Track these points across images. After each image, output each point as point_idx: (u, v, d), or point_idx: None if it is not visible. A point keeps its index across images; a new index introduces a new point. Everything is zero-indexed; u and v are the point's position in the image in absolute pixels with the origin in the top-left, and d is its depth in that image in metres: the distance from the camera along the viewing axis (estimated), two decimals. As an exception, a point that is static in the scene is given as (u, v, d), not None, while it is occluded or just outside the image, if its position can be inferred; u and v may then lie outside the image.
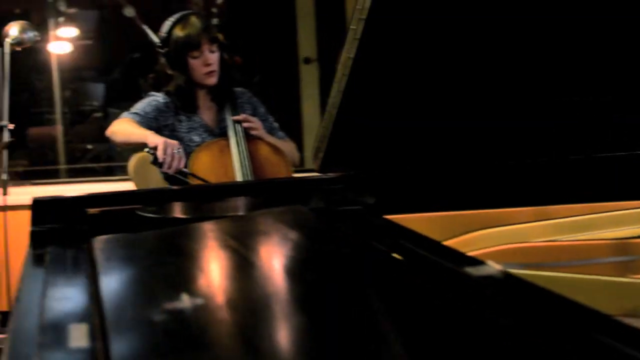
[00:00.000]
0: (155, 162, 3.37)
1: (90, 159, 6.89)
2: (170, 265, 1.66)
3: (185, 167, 3.54)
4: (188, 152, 3.78)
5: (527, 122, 2.51)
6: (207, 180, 3.55)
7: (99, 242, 1.87)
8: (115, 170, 6.63)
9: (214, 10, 5.84)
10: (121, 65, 7.10)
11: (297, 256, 1.77)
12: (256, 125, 3.87)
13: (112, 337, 1.26)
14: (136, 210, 2.22)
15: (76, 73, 6.96)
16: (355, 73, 2.23)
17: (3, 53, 4.67)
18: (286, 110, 7.04)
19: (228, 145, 3.79)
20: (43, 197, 2.31)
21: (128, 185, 4.98)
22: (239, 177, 3.69)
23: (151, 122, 3.75)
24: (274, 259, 1.73)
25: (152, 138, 3.46)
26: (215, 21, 5.86)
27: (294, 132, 4.28)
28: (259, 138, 3.86)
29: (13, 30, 4.74)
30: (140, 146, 3.65)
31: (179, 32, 3.81)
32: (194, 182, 3.58)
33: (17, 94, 4.83)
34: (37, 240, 2.17)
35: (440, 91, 2.41)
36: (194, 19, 3.83)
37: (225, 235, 1.86)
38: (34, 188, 5.67)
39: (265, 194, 2.46)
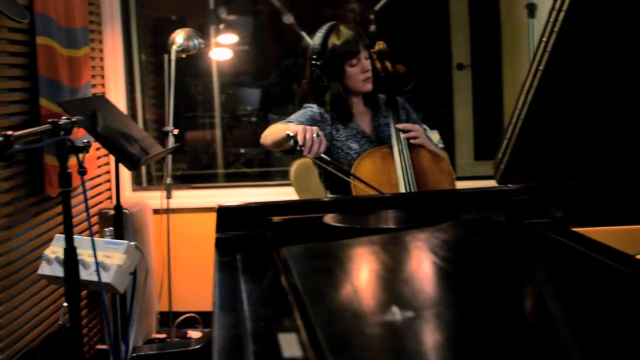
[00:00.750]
0: (296, 146, 3.35)
1: (243, 163, 6.97)
2: (367, 276, 1.66)
3: (326, 153, 3.52)
4: (348, 160, 3.79)
5: None
6: (367, 182, 3.53)
7: (290, 252, 1.88)
8: (273, 175, 6.70)
9: (371, 17, 5.84)
10: (276, 71, 7.17)
11: (488, 268, 1.75)
12: (418, 133, 3.85)
13: (327, 350, 1.26)
14: (322, 219, 2.22)
15: (233, 78, 7.04)
16: (543, 85, 2.19)
17: (169, 60, 4.76)
18: (439, 116, 7.03)
19: (390, 153, 3.78)
20: (228, 205, 2.36)
21: (286, 190, 5.03)
22: (401, 185, 3.67)
23: None
24: (468, 271, 1.71)
25: (293, 127, 3.45)
26: (372, 28, 5.88)
27: (447, 138, 4.24)
28: (421, 146, 3.84)
29: (179, 37, 4.84)
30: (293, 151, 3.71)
31: (335, 42, 3.80)
32: (355, 185, 3.58)
33: (175, 98, 4.92)
34: (223, 247, 2.21)
35: (633, 104, 2.34)
36: (344, 28, 3.83)
37: (417, 246, 1.84)
38: (193, 192, 5.77)
39: (447, 204, 2.44)
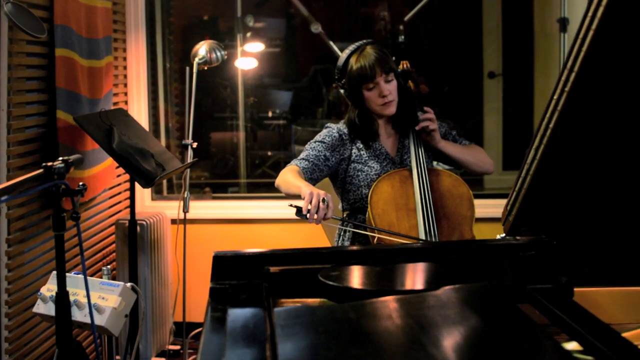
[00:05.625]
0: (300, 214, 3.30)
1: (270, 166, 6.94)
2: (352, 358, 1.60)
3: (344, 173, 3.47)
4: (368, 181, 3.74)
5: None
6: (389, 231, 3.47)
7: (279, 317, 1.83)
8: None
9: (400, 27, 5.77)
10: (307, 76, 7.13)
11: (481, 346, 1.69)
12: (434, 125, 3.81)
13: None
14: (318, 275, 2.17)
15: (261, 81, 7.02)
16: (553, 142, 2.13)
17: (191, 73, 4.72)
18: (469, 123, 7.00)
19: (410, 176, 3.72)
20: (224, 253, 2.31)
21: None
22: (419, 210, 3.61)
23: (320, 165, 3.72)
24: (457, 353, 1.65)
25: (304, 190, 3.37)
26: (401, 38, 5.81)
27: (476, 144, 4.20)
28: (434, 142, 3.80)
29: (202, 50, 4.79)
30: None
31: (353, 64, 3.75)
32: (372, 215, 3.54)
33: (201, 98, 4.85)
34: (216, 299, 2.16)
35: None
36: (369, 50, 3.75)
37: (410, 322, 1.78)
38: (212, 202, 5.73)
39: (451, 256, 2.38)
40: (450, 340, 1.70)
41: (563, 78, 2.03)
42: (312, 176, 3.70)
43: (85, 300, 3.16)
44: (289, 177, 3.58)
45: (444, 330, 1.74)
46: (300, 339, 1.72)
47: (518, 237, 2.44)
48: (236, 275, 2.25)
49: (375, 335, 1.74)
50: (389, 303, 1.89)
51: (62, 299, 2.44)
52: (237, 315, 1.98)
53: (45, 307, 3.39)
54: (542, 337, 1.74)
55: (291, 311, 1.90)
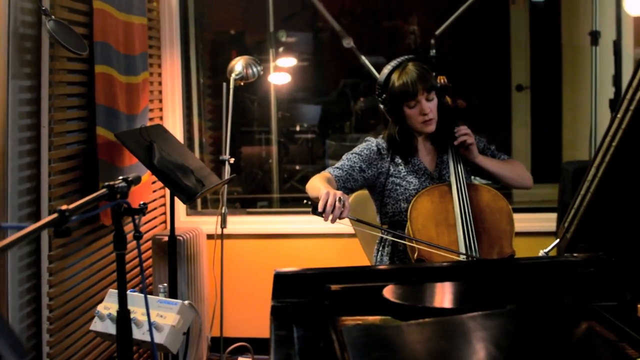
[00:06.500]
0: (315, 211, 3.31)
1: (298, 180, 6.92)
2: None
3: (381, 188, 3.48)
4: (407, 196, 3.73)
5: None
6: (417, 238, 3.47)
7: (349, 336, 1.83)
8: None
9: (432, 41, 5.74)
10: (336, 90, 7.12)
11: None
12: (471, 139, 3.79)
13: None
14: (382, 292, 2.16)
15: (291, 95, 7.00)
16: (615, 160, 2.12)
17: (228, 88, 4.72)
18: (497, 136, 6.98)
19: (449, 191, 3.71)
20: (285, 271, 2.30)
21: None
22: (459, 225, 3.59)
23: (354, 175, 3.75)
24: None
25: (322, 190, 3.36)
26: (432, 52, 5.79)
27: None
28: (472, 156, 3.80)
29: (238, 65, 4.80)
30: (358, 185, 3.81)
31: (395, 81, 3.75)
32: (410, 225, 3.54)
33: (232, 115, 4.84)
34: (279, 317, 2.15)
35: None
36: (411, 67, 3.74)
37: (481, 341, 1.77)
38: (247, 217, 5.70)
39: (510, 274, 2.37)
40: (526, 358, 1.69)
41: (628, 96, 2.02)
42: (345, 185, 3.72)
43: (143, 318, 3.17)
44: (316, 181, 3.61)
45: (517, 349, 1.74)
46: (374, 358, 1.72)
47: (575, 254, 2.43)
48: (297, 294, 2.25)
49: (448, 354, 1.73)
50: (458, 321, 1.88)
51: (123, 317, 2.45)
52: (304, 334, 1.98)
53: (102, 325, 3.39)
54: (615, 353, 1.73)
55: (360, 329, 1.90)
